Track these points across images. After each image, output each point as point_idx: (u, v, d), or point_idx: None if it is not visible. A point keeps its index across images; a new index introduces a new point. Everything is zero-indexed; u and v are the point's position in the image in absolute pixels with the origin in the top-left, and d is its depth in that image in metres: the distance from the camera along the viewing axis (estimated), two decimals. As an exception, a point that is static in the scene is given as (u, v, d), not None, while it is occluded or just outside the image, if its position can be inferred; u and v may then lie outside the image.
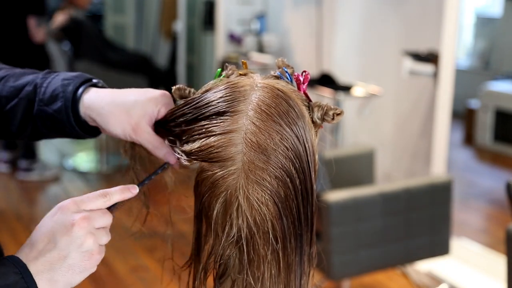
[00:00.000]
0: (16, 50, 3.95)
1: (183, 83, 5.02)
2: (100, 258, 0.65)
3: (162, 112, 0.76)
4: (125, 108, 0.76)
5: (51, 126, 0.81)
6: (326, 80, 3.46)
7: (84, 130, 0.81)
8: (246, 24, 4.44)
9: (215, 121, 0.66)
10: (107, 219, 0.66)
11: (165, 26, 5.65)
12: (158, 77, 5.24)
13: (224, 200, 0.66)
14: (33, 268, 0.62)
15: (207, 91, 0.70)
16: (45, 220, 0.65)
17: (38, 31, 3.98)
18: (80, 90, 0.79)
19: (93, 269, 0.65)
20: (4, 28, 3.89)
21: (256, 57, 4.15)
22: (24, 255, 0.63)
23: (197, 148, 0.66)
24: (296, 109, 0.67)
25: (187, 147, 0.68)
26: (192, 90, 0.74)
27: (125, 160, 0.83)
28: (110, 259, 3.00)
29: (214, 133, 0.66)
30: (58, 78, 0.80)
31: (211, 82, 0.72)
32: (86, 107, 0.78)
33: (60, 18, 4.48)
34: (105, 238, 0.66)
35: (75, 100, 0.78)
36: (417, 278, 2.87)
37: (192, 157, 0.68)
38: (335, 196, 2.17)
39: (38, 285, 0.61)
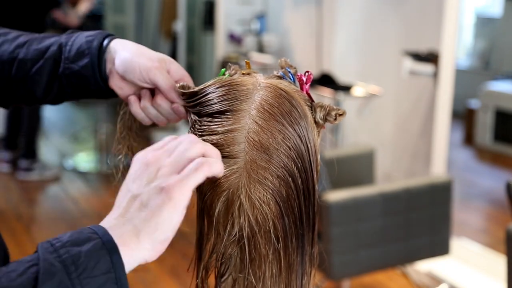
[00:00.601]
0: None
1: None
2: (183, 190, 0.59)
3: (185, 80, 0.78)
4: (148, 54, 0.78)
5: (76, 84, 0.82)
6: (326, 80, 3.46)
7: (107, 87, 0.82)
8: (246, 24, 4.44)
9: (217, 120, 0.66)
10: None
11: (165, 26, 5.65)
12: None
13: (226, 199, 0.66)
14: (107, 225, 0.57)
15: (210, 86, 0.70)
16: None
17: (69, 18, 4.07)
18: (105, 42, 0.81)
19: (177, 205, 0.58)
20: (13, 28, 3.91)
21: (256, 57, 4.15)
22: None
23: None
24: (298, 109, 0.67)
25: None
26: (196, 88, 0.74)
27: (126, 161, 0.83)
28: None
29: (216, 131, 0.66)
30: (82, 36, 0.82)
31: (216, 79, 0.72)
32: (113, 52, 0.80)
33: (85, 4, 4.52)
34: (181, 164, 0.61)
35: (100, 55, 0.80)
36: (417, 278, 2.87)
37: None
38: (335, 196, 2.17)
39: (116, 242, 0.55)
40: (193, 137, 0.63)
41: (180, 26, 5.12)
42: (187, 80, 0.78)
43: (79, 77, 0.81)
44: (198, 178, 0.59)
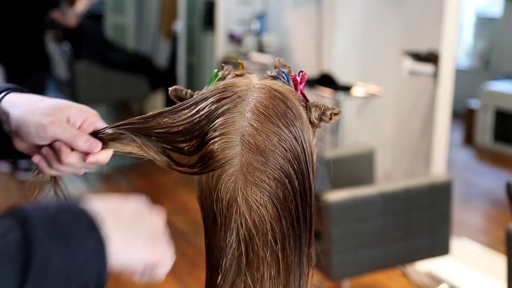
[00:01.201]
0: (18, 51, 3.95)
1: (183, 83, 5.03)
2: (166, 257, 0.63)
3: (90, 120, 0.72)
4: (40, 109, 0.71)
5: None
6: (326, 80, 3.46)
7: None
8: (246, 24, 4.44)
9: (212, 123, 0.66)
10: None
11: (165, 26, 5.65)
12: (158, 77, 5.24)
13: (223, 203, 0.66)
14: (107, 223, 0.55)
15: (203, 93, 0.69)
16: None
17: (67, 17, 4.08)
18: (2, 95, 0.73)
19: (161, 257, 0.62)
20: (12, 29, 3.90)
21: (256, 57, 4.15)
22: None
23: None
24: (293, 110, 0.67)
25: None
26: (189, 91, 0.73)
27: (126, 160, 0.83)
28: (110, 259, 2.99)
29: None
30: None
31: (210, 87, 0.71)
32: (5, 111, 0.72)
33: (82, 3, 4.51)
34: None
35: None
36: (417, 278, 2.87)
37: None
38: (335, 196, 2.17)
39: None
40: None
41: (180, 26, 5.11)
42: (92, 119, 0.72)
43: None
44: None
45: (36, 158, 0.72)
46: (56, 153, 0.71)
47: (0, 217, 0.52)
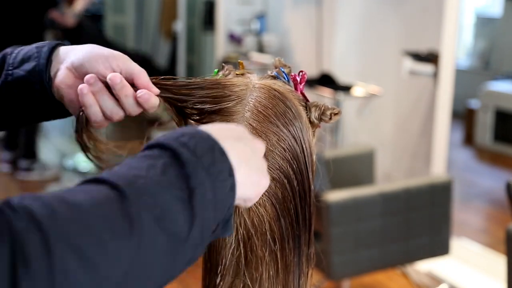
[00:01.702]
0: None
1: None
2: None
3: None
4: (102, 50, 0.69)
5: (18, 94, 0.69)
6: (326, 80, 3.46)
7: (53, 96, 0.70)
8: (246, 24, 4.44)
9: (210, 121, 0.66)
10: None
11: (165, 26, 5.65)
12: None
13: None
14: (227, 144, 0.54)
15: (202, 82, 0.68)
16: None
17: (65, 17, 4.09)
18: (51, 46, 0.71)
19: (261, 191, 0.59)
20: (11, 29, 3.91)
21: (256, 57, 4.15)
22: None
23: None
24: (293, 110, 0.66)
25: None
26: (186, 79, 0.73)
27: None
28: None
29: None
30: (31, 46, 0.72)
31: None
32: (63, 53, 0.69)
33: (81, 2, 4.51)
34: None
35: (50, 58, 0.69)
36: (417, 278, 2.87)
37: None
38: (335, 196, 2.17)
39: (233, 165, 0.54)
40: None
41: (180, 26, 5.11)
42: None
43: (22, 83, 0.69)
44: None
45: (84, 88, 0.66)
46: (110, 92, 0.67)
47: (148, 149, 0.53)
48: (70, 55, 0.69)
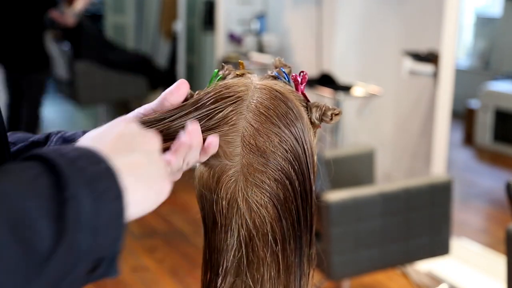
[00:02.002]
0: (18, 51, 3.95)
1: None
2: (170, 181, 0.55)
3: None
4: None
5: None
6: (326, 80, 3.46)
7: None
8: (246, 24, 4.44)
9: (212, 124, 0.66)
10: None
11: (165, 26, 5.65)
12: (158, 77, 5.24)
13: (224, 204, 0.66)
14: (119, 162, 0.48)
15: (205, 93, 0.69)
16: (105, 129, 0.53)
17: (65, 17, 4.10)
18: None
19: (164, 195, 0.53)
20: (11, 29, 3.91)
21: (256, 57, 4.15)
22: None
23: None
24: (294, 111, 0.66)
25: None
26: (190, 91, 0.73)
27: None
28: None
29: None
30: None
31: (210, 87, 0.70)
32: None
33: (81, 2, 4.51)
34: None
35: None
36: (417, 278, 2.87)
37: None
38: (335, 196, 2.17)
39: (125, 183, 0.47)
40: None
41: (180, 26, 5.11)
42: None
43: None
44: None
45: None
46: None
47: (25, 160, 0.45)
48: None
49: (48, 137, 0.73)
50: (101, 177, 0.44)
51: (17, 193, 0.40)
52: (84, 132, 0.69)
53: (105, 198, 0.44)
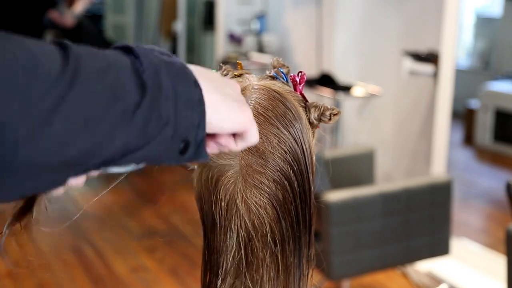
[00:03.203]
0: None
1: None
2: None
3: None
4: None
5: None
6: (326, 80, 3.46)
7: None
8: (246, 24, 4.44)
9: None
10: None
11: (165, 26, 5.65)
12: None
13: (223, 205, 0.66)
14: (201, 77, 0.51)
15: None
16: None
17: (64, 18, 4.11)
18: None
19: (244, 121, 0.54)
20: (11, 29, 3.91)
21: (256, 57, 4.15)
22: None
23: None
24: (293, 111, 0.66)
25: None
26: None
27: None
28: (110, 259, 3.00)
29: None
30: None
31: None
32: None
33: (81, 3, 4.52)
34: None
35: None
36: (417, 278, 2.87)
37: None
38: (335, 196, 2.17)
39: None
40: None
41: (180, 26, 5.11)
42: None
43: None
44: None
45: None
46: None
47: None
48: None
49: None
50: (178, 68, 0.48)
51: (106, 56, 0.45)
52: None
53: (183, 84, 0.48)
